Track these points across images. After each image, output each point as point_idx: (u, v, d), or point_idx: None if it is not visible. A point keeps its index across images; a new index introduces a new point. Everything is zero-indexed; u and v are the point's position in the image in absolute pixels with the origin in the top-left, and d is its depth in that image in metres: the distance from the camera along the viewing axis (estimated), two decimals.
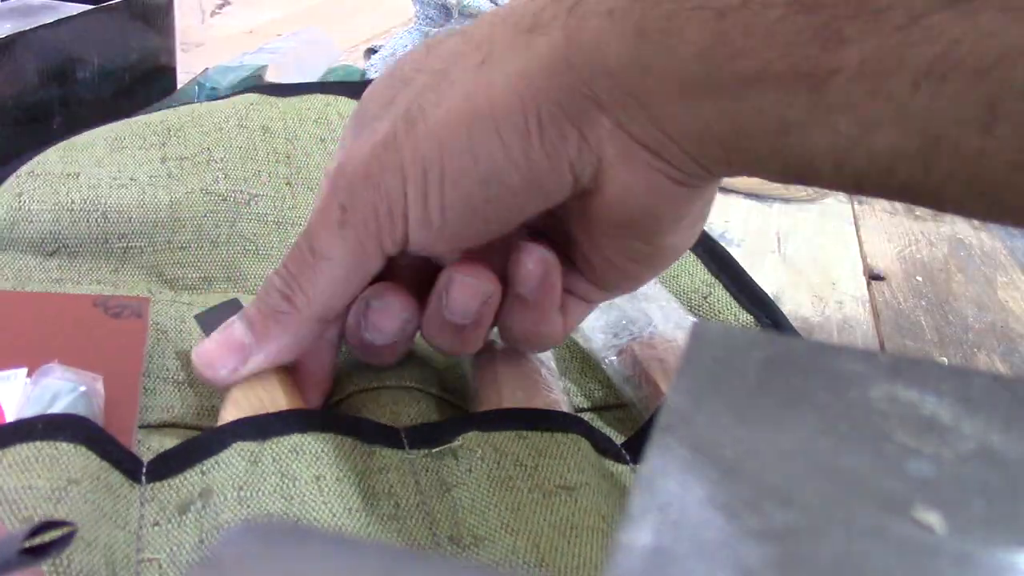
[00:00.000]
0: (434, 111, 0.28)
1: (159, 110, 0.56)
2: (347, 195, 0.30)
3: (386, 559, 0.12)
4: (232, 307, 0.41)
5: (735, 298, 0.45)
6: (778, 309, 0.46)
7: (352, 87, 0.62)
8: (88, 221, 0.46)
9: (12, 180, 0.47)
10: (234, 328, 0.33)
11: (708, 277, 0.47)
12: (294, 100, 0.58)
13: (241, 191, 0.50)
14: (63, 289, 0.44)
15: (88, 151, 0.50)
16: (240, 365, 0.33)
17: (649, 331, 0.41)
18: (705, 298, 0.46)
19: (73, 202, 0.47)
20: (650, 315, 0.42)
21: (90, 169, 0.49)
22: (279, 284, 0.32)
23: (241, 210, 0.50)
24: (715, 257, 0.48)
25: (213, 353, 0.33)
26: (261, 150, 0.53)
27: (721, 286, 0.46)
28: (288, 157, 0.54)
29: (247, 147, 0.53)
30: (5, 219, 0.45)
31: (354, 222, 0.30)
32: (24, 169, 0.48)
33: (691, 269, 0.47)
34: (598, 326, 0.42)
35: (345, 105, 0.60)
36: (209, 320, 0.40)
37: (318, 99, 0.59)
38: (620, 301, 0.42)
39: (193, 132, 0.52)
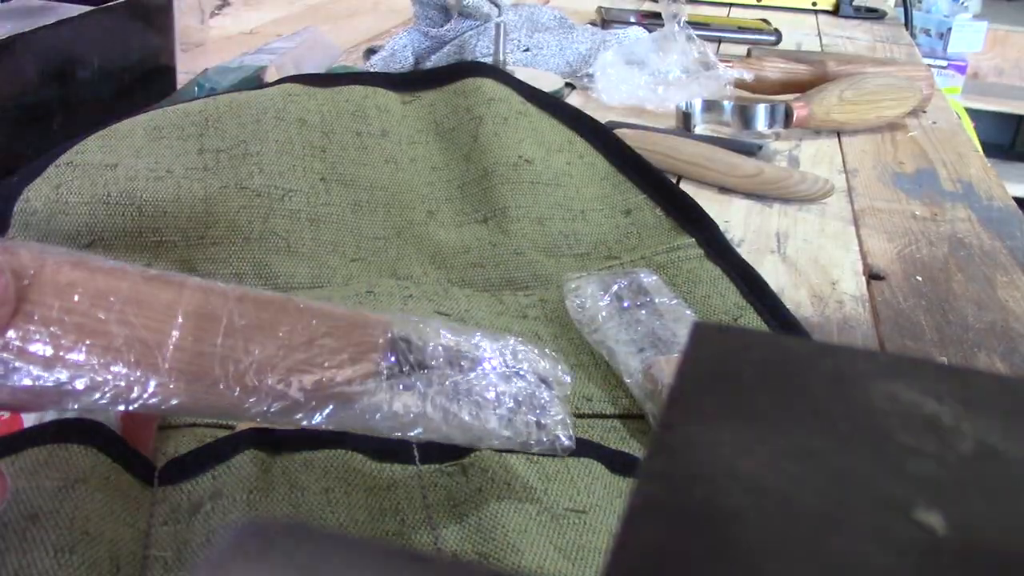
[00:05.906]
0: None
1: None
2: None
3: (386, 559, 0.12)
4: None
5: (765, 322, 0.45)
6: (807, 334, 0.46)
7: (391, 79, 0.62)
8: (123, 214, 0.47)
9: (52, 170, 0.47)
10: None
11: (740, 300, 0.46)
12: (333, 91, 0.58)
13: (276, 186, 0.50)
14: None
15: (128, 140, 0.50)
16: None
17: (677, 350, 0.41)
18: (736, 319, 0.46)
19: (109, 195, 0.47)
20: (676, 333, 0.41)
21: (128, 160, 0.49)
22: None
23: (275, 206, 0.50)
24: (748, 280, 0.48)
25: None
26: (297, 144, 0.53)
27: (752, 310, 0.46)
28: (323, 151, 0.54)
29: (283, 140, 0.53)
30: (43, 212, 0.46)
31: None
32: (64, 158, 0.48)
33: (723, 291, 0.47)
34: (623, 342, 0.41)
35: (383, 97, 0.59)
36: None
37: (357, 91, 0.59)
38: (647, 319, 0.42)
39: (231, 124, 0.52)
